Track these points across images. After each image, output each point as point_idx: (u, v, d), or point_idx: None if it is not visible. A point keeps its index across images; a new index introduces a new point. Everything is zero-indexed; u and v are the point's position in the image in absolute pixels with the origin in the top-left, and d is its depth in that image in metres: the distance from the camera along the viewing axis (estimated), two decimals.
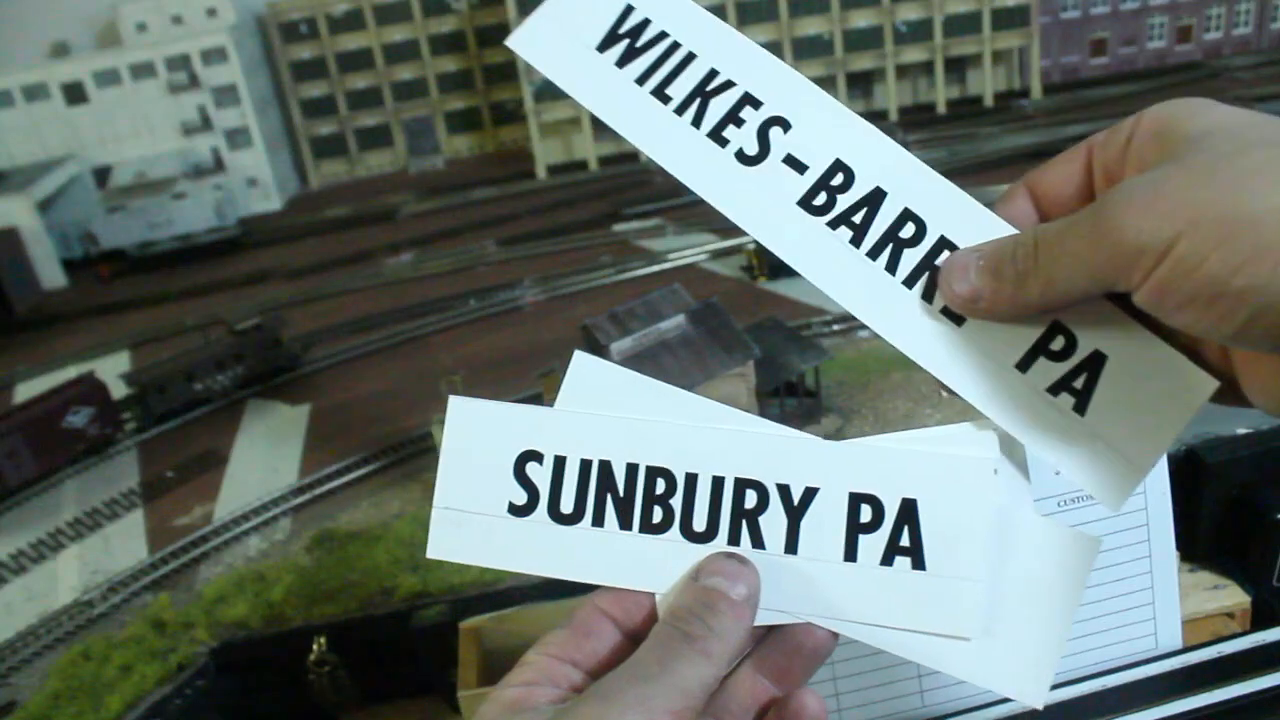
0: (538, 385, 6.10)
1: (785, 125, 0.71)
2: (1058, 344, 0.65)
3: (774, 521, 0.68)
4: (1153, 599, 1.20)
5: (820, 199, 0.70)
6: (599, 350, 5.42)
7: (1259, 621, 1.31)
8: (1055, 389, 0.65)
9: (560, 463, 0.72)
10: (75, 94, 14.16)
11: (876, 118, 16.39)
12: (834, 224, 0.69)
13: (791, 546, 0.68)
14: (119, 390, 7.49)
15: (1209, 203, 0.52)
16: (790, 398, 6.93)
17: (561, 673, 0.63)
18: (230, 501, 6.16)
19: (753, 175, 0.70)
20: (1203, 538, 1.38)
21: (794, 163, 0.70)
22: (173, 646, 4.68)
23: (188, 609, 5.00)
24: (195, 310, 10.73)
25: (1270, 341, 0.53)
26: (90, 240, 13.45)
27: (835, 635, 0.66)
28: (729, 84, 0.72)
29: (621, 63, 0.74)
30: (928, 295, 0.67)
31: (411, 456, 6.23)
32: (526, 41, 0.76)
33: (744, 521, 0.69)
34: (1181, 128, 0.58)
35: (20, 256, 12.22)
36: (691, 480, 0.70)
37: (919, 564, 0.66)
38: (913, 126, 15.57)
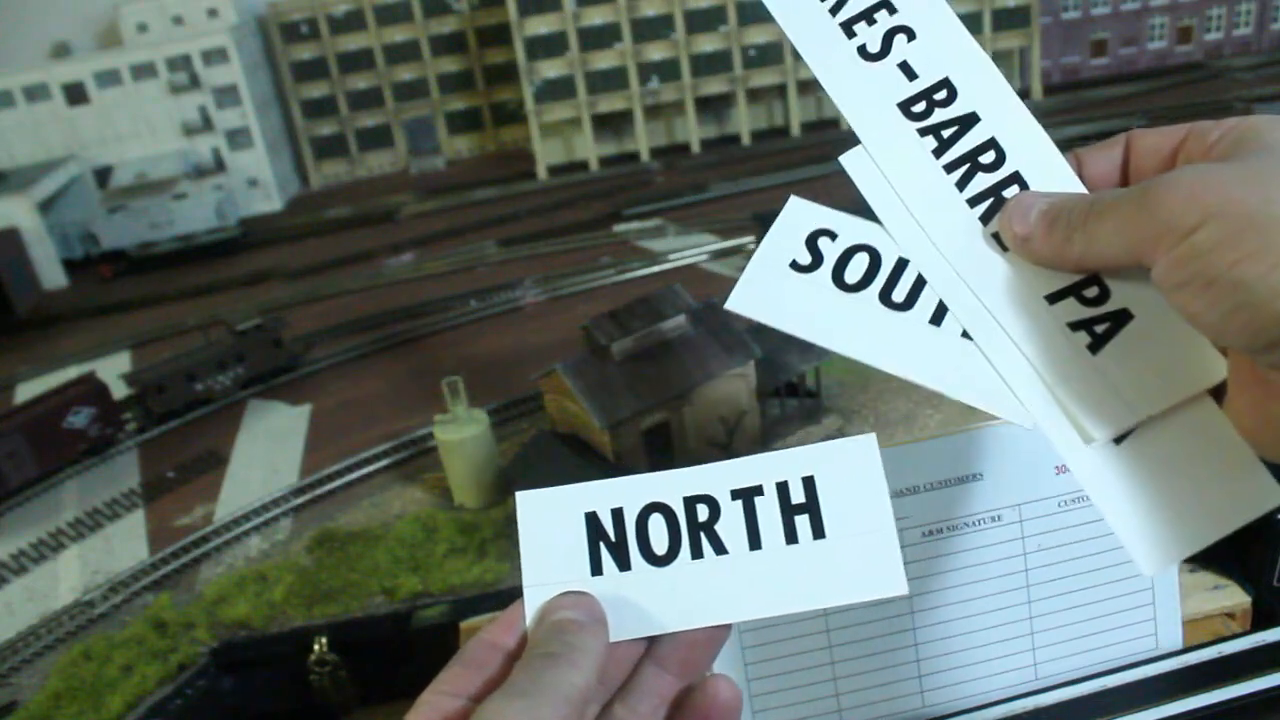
0: (538, 386, 6.10)
1: (910, 35, 0.76)
2: (1091, 292, 0.68)
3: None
4: (1153, 599, 1.20)
5: (920, 106, 0.74)
6: (599, 350, 5.42)
7: (1259, 621, 1.31)
8: (1076, 326, 0.68)
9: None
10: (76, 94, 14.16)
11: None
12: (924, 132, 0.74)
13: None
14: (120, 390, 7.49)
15: (1239, 199, 0.55)
16: (791, 398, 6.94)
17: (454, 708, 0.64)
18: (231, 501, 6.16)
19: (867, 70, 0.75)
20: None
21: (907, 69, 0.75)
22: (174, 646, 4.69)
23: (188, 609, 5.00)
24: (196, 310, 10.73)
25: (1246, 338, 0.56)
26: (91, 240, 13.45)
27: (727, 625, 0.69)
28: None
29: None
30: (985, 218, 0.71)
31: (412, 457, 6.24)
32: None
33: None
34: (1261, 137, 0.61)
35: (21, 257, 12.22)
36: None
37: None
38: None
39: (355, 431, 6.78)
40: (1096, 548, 1.16)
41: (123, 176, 14.06)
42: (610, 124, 15.98)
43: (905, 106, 0.74)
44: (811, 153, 15.50)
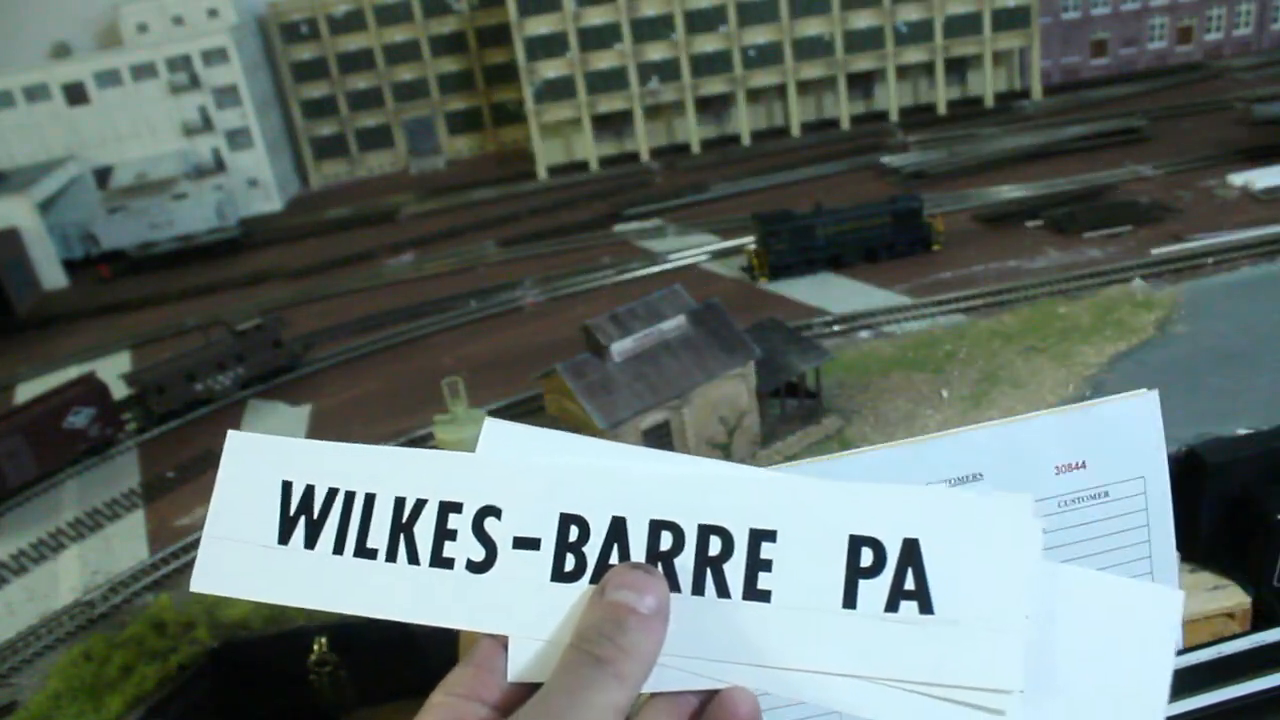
0: (538, 386, 6.11)
1: (496, 513, 0.66)
2: (867, 558, 0.60)
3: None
4: None
5: (569, 563, 0.64)
6: (600, 350, 5.42)
7: (1259, 621, 1.31)
8: (892, 604, 0.60)
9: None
10: (76, 94, 14.20)
11: (877, 118, 16.39)
12: (594, 579, 0.64)
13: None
14: (120, 390, 7.49)
15: None
16: (791, 398, 6.96)
17: (469, 711, 0.61)
18: None
19: (495, 578, 0.65)
20: (1203, 538, 1.37)
21: (525, 543, 0.65)
22: (173, 647, 4.68)
23: (188, 609, 5.00)
24: (196, 310, 10.75)
25: None
26: (91, 241, 13.48)
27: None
28: (421, 503, 0.67)
29: (310, 542, 0.68)
30: (749, 595, 0.63)
31: None
32: (208, 575, 0.69)
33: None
34: None
35: (21, 257, 12.24)
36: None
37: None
38: (913, 127, 15.56)
39: (355, 431, 6.78)
40: (1095, 548, 1.15)
41: (123, 177, 14.06)
42: (610, 124, 15.99)
43: (558, 575, 0.64)
44: (812, 153, 15.49)
